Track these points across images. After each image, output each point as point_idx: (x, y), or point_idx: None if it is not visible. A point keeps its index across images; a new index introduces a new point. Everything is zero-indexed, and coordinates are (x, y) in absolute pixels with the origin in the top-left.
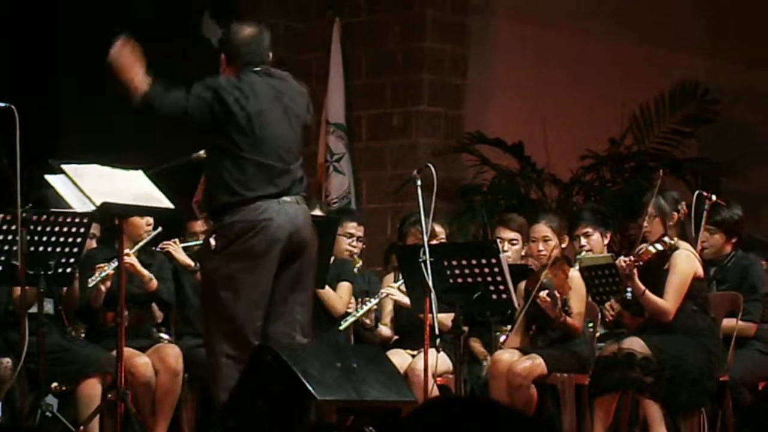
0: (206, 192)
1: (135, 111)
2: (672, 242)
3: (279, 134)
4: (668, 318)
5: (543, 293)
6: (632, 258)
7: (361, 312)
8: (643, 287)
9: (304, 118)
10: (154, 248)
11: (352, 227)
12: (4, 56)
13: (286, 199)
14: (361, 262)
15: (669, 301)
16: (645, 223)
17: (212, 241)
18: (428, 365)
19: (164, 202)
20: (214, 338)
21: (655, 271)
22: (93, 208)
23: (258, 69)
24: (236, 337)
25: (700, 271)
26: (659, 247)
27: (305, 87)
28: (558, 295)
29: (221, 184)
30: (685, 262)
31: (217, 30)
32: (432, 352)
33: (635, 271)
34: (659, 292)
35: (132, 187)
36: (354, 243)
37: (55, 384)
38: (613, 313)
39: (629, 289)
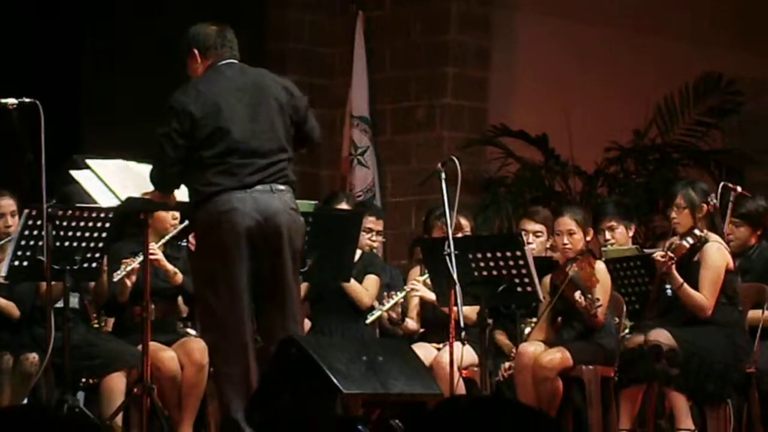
0: None
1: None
2: (702, 234)
3: (243, 128)
4: (706, 313)
5: (577, 294)
6: (669, 254)
7: (387, 306)
8: (681, 280)
9: (286, 108)
10: (180, 242)
11: (370, 222)
12: (28, 52)
13: (258, 188)
14: (380, 256)
15: (707, 297)
16: (674, 215)
17: (192, 240)
18: (453, 358)
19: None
20: (205, 335)
21: (684, 263)
22: (118, 202)
23: (229, 62)
24: (223, 332)
25: (731, 263)
26: (690, 240)
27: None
28: (586, 288)
29: (189, 186)
30: (717, 256)
31: None
32: (457, 345)
33: (672, 265)
34: (689, 283)
35: None
36: (373, 237)
37: (83, 379)
38: None
39: (668, 286)
